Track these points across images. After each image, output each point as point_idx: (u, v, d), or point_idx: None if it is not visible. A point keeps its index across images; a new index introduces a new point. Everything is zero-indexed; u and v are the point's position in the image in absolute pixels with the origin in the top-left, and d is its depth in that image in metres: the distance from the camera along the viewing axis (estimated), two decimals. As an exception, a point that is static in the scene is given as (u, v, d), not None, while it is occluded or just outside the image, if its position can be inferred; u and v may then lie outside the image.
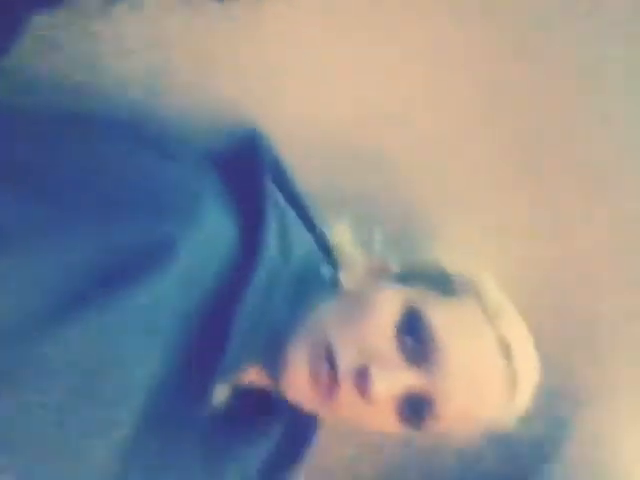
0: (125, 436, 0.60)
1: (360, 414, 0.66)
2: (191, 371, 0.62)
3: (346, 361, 0.63)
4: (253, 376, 0.70)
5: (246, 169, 0.70)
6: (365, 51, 0.74)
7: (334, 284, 0.71)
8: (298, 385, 0.66)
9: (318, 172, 0.78)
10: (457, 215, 0.86)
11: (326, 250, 0.75)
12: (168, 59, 0.71)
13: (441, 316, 0.66)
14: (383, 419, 0.66)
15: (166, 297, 0.59)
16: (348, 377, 0.63)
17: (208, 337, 0.62)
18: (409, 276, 0.71)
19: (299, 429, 0.77)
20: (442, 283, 0.70)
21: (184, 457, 0.67)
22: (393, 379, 0.63)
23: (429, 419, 0.66)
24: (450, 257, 0.74)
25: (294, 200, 0.74)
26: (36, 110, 0.67)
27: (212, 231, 0.62)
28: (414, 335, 0.64)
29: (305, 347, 0.65)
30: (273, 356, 0.67)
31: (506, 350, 0.66)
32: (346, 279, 0.71)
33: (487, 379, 0.66)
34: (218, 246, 0.63)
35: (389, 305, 0.66)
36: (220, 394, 0.71)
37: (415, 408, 0.65)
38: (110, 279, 0.57)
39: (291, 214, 0.72)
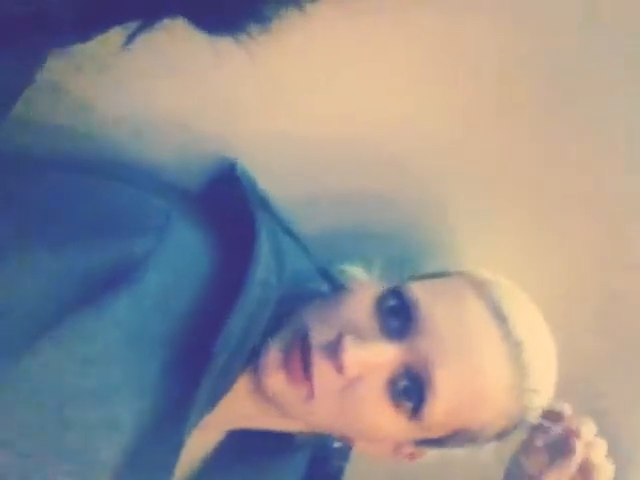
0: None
1: (347, 407, 0.59)
2: (172, 398, 0.57)
3: (319, 338, 0.59)
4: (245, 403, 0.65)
5: (229, 196, 0.68)
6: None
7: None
8: (274, 381, 0.60)
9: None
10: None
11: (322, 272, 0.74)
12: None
13: (421, 289, 0.62)
14: (376, 408, 0.60)
15: (138, 317, 0.55)
16: (321, 352, 0.58)
17: (191, 363, 0.58)
18: None
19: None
20: (433, 274, 0.67)
21: None
22: (369, 346, 0.58)
23: (428, 396, 0.58)
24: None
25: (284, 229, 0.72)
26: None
27: (183, 249, 0.59)
28: (395, 309, 0.61)
29: (281, 338, 0.61)
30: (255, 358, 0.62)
31: (500, 315, 0.60)
32: None
33: (480, 342, 0.59)
34: (192, 264, 0.60)
35: (370, 287, 0.64)
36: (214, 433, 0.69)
37: (408, 388, 0.59)
38: (78, 302, 0.54)
39: (284, 237, 0.71)
